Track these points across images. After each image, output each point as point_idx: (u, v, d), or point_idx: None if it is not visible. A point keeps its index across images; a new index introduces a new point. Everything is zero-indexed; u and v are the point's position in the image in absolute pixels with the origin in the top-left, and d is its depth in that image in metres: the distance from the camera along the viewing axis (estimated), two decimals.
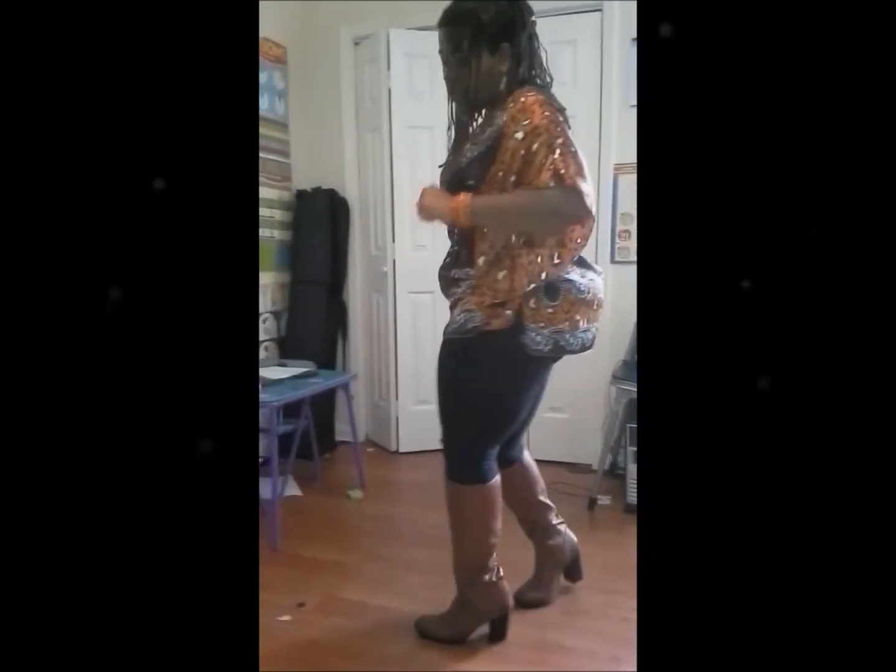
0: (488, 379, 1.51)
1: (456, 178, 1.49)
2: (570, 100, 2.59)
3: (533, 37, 1.50)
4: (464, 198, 1.42)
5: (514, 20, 1.46)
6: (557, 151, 1.35)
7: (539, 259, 1.44)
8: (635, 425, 2.49)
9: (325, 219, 3.21)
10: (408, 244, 3.14)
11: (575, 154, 1.37)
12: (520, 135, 1.38)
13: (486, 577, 1.64)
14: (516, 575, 1.90)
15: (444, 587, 1.93)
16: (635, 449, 2.47)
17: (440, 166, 1.64)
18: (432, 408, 3.22)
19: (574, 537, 1.92)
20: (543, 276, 1.45)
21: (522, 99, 1.40)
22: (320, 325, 3.24)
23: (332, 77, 3.24)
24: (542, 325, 1.47)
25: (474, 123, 1.56)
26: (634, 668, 1.54)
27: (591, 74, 2.85)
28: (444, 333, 1.55)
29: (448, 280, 1.59)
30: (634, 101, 2.78)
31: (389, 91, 3.01)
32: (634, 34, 2.73)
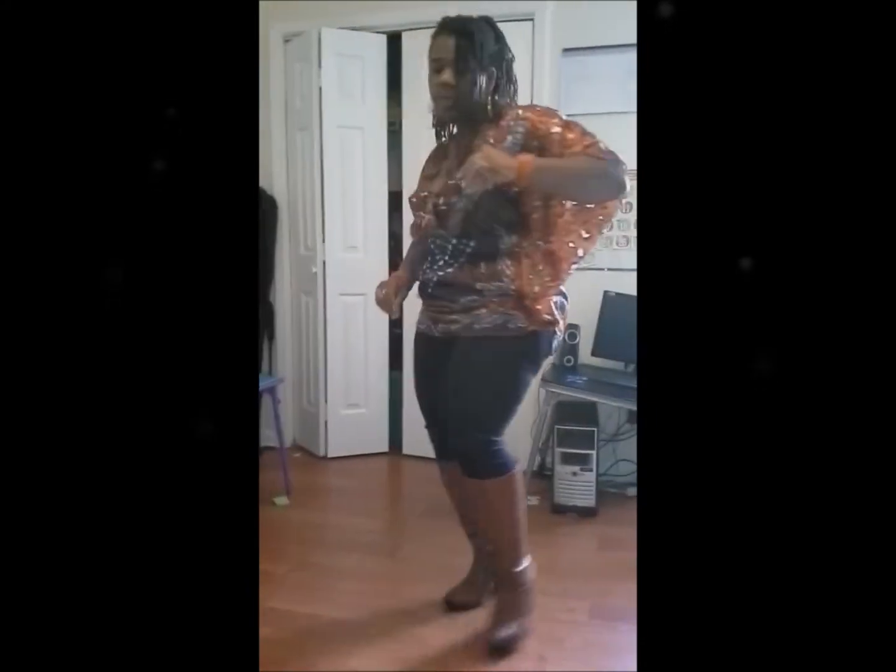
0: (519, 376, 1.60)
1: (494, 192, 1.48)
2: None
3: (512, 64, 1.65)
4: (528, 157, 1.44)
5: (503, 48, 1.62)
6: (592, 137, 1.49)
7: (571, 243, 1.57)
8: (563, 427, 2.55)
9: None
10: (338, 245, 3.10)
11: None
12: (556, 129, 1.50)
13: (527, 563, 1.69)
14: (447, 578, 1.90)
15: (374, 593, 1.91)
16: (563, 450, 2.53)
17: (429, 171, 1.71)
18: (363, 412, 3.22)
19: None
20: (582, 255, 1.59)
21: (532, 110, 1.55)
22: None
23: (261, 75, 3.16)
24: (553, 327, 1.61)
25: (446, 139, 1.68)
26: (558, 668, 1.58)
27: (523, 83, 2.87)
28: (467, 332, 1.59)
29: (457, 287, 1.60)
30: (564, 111, 2.83)
31: (320, 90, 2.97)
32: (566, 44, 2.80)
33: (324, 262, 3.09)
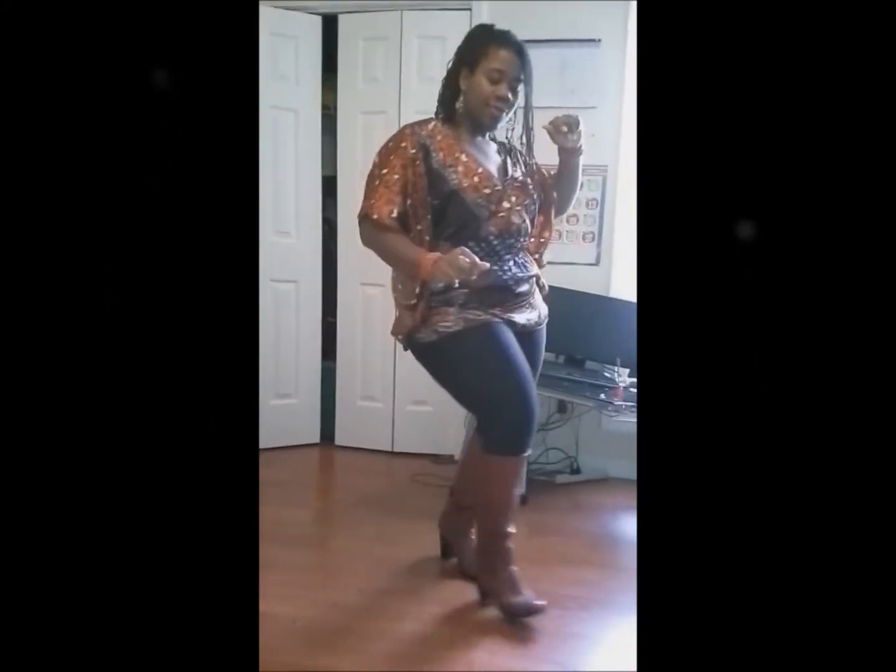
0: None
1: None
2: (434, 96, 2.57)
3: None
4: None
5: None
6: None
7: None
8: None
9: None
10: (269, 229, 3.00)
11: None
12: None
13: (509, 565, 1.73)
14: (379, 568, 1.89)
15: (306, 585, 1.88)
16: None
17: (489, 189, 1.66)
18: (293, 402, 3.16)
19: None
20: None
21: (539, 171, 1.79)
22: None
23: None
24: None
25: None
26: (495, 658, 1.60)
27: None
28: (531, 326, 1.75)
29: (517, 284, 1.72)
30: None
31: None
32: None
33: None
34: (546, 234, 1.85)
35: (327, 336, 3.17)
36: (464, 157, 1.64)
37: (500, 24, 2.80)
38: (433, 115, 1.74)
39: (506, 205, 1.66)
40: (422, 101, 2.90)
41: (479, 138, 1.72)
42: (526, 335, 1.74)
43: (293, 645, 1.61)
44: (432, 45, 2.84)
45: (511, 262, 1.69)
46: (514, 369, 1.63)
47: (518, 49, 1.63)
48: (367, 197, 1.62)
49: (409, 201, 1.61)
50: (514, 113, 1.71)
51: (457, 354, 1.64)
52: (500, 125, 1.70)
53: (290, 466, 2.94)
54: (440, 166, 1.61)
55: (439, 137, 1.65)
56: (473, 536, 1.91)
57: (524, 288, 1.73)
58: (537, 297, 1.80)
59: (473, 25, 2.82)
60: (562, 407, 2.86)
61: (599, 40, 2.71)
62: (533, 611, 1.67)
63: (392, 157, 1.61)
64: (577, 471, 2.86)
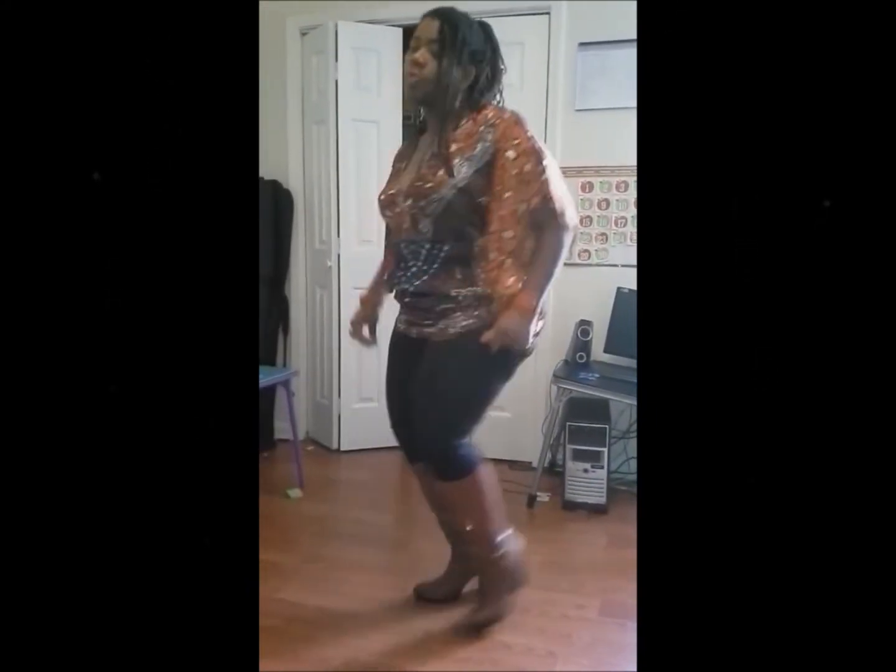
0: (490, 381, 1.61)
1: (464, 194, 1.53)
2: (517, 102, 2.59)
3: (499, 70, 1.62)
4: (524, 297, 1.51)
5: (493, 54, 1.59)
6: (544, 175, 1.49)
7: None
8: (575, 423, 2.54)
9: (267, 210, 3.14)
10: (353, 238, 3.10)
11: (559, 174, 1.54)
12: (511, 154, 1.50)
13: (501, 552, 1.68)
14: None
15: (384, 586, 1.93)
16: (574, 447, 2.52)
17: (398, 165, 1.69)
18: (375, 406, 3.23)
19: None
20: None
21: (505, 117, 1.53)
22: (261, 321, 3.16)
23: (278, 68, 3.17)
24: None
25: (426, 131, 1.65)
26: (568, 666, 1.58)
27: (538, 77, 2.88)
28: (441, 335, 1.59)
29: (434, 296, 1.58)
30: (580, 105, 2.83)
31: (337, 83, 2.97)
32: (582, 38, 2.78)
33: (338, 256, 3.10)
34: (492, 239, 1.53)
35: None
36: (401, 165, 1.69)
37: (579, 26, 2.81)
38: None
39: (396, 209, 1.60)
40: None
41: (437, 125, 1.57)
42: (420, 345, 1.63)
43: (374, 642, 1.65)
44: (511, 51, 2.83)
45: (413, 270, 1.60)
46: (388, 385, 1.76)
47: (440, 16, 1.53)
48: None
49: None
50: (493, 97, 1.60)
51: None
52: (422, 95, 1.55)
53: (372, 468, 3.01)
54: None
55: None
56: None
57: (429, 302, 1.59)
58: (466, 313, 1.56)
59: (552, 30, 2.84)
60: None
61: None
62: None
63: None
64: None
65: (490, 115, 1.53)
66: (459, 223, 1.55)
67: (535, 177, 1.48)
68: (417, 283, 1.60)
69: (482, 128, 1.52)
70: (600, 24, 2.74)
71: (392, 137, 3.07)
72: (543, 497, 2.60)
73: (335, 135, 3.00)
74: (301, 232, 3.28)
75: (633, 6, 3.04)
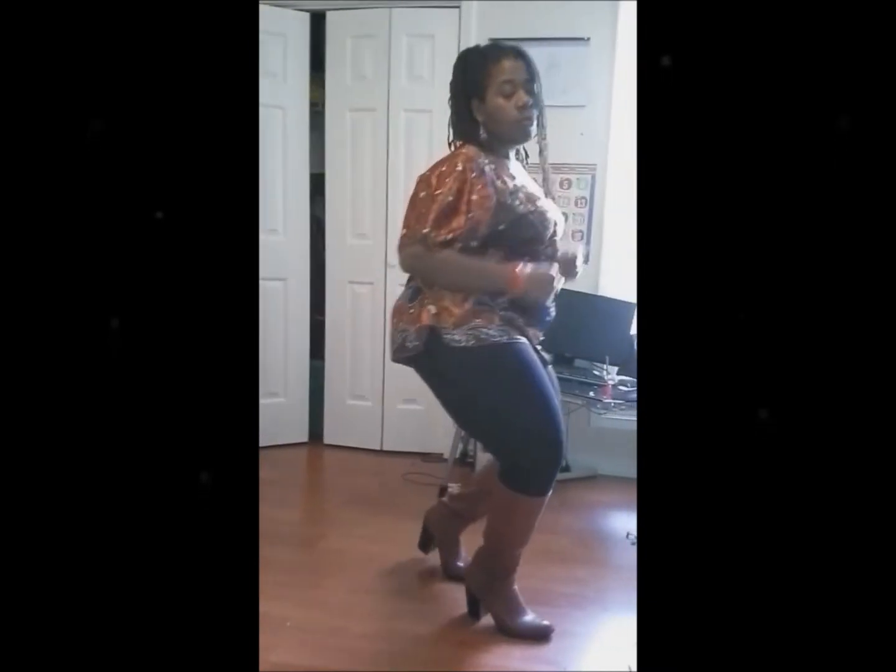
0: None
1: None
2: (427, 95, 2.59)
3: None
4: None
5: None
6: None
7: None
8: None
9: None
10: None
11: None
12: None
13: (512, 586, 1.70)
14: (369, 567, 1.88)
15: (302, 585, 1.87)
16: None
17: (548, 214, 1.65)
18: (281, 401, 3.13)
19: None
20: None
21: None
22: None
23: None
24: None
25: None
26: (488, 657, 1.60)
27: (448, 70, 2.88)
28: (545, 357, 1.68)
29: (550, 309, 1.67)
30: None
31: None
32: (492, 34, 2.79)
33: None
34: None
35: (316, 334, 3.15)
36: (518, 183, 1.61)
37: (490, 22, 2.83)
38: (449, 141, 1.68)
39: (558, 229, 1.67)
40: (410, 99, 2.90)
41: (514, 157, 1.69)
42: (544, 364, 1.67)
43: (285, 644, 1.61)
44: (422, 43, 2.82)
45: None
46: (550, 404, 1.55)
47: (516, 52, 1.59)
48: (420, 220, 1.53)
49: (467, 223, 1.53)
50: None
51: (492, 370, 1.54)
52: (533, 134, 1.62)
53: (279, 465, 2.93)
54: (501, 193, 1.55)
55: (491, 164, 1.58)
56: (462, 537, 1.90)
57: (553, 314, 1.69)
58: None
59: (462, 24, 2.84)
60: None
61: (588, 39, 2.71)
62: (541, 634, 1.65)
63: (448, 179, 1.52)
64: (566, 468, 2.87)
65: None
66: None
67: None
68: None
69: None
70: (509, 21, 2.78)
71: (298, 124, 2.97)
72: (455, 488, 2.62)
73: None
74: None
75: (542, 5, 3.08)
